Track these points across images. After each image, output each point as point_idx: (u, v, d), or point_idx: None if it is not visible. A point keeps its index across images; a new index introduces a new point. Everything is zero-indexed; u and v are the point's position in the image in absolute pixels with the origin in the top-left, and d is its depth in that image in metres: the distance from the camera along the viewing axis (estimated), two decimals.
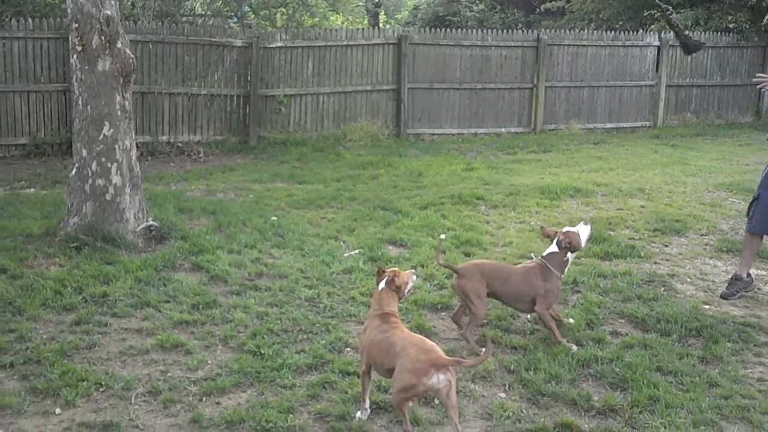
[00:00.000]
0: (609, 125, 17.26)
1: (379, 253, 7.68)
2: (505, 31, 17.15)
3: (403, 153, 13.96)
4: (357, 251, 7.80)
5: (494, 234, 8.67)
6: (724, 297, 6.69)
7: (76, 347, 5.51)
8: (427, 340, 4.49)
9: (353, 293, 6.70)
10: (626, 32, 17.61)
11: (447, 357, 4.27)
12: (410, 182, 11.31)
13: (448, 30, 16.90)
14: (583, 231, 5.90)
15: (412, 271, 5.04)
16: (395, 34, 15.96)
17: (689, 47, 11.75)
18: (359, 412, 4.67)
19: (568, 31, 17.75)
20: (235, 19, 17.36)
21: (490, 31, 17.40)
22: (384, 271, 4.86)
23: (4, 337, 5.62)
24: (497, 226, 9.00)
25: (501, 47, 16.40)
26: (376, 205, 9.71)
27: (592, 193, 10.59)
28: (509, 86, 16.51)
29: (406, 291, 4.88)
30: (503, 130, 16.48)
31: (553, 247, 5.86)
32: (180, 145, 13.89)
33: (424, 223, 8.82)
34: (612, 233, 8.57)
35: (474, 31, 17.27)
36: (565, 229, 5.95)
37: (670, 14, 12.25)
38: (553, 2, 23.01)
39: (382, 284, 4.81)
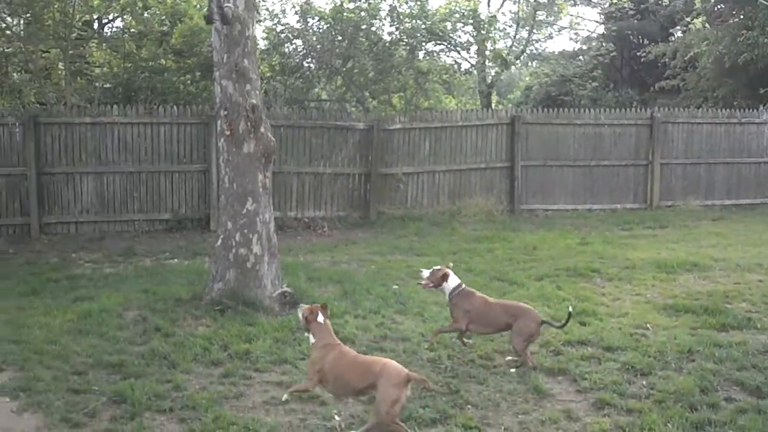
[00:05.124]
0: (728, 202, 17.11)
1: None
2: (618, 109, 17.49)
3: (517, 228, 14.37)
4: None
5: (609, 305, 8.90)
6: None
7: (225, 396, 6.17)
8: None
9: (472, 356, 7.11)
10: (743, 110, 17.57)
11: None
12: (525, 255, 11.69)
13: (561, 110, 17.39)
14: None
15: None
16: (508, 115, 16.60)
17: None
18: None
19: (682, 109, 17.89)
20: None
21: (602, 109, 17.77)
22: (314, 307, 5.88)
23: (162, 386, 6.35)
24: (613, 298, 9.22)
25: (614, 125, 16.73)
26: (491, 276, 10.13)
27: (709, 267, 10.65)
28: (623, 163, 16.74)
29: None
30: (618, 206, 16.65)
31: None
32: (306, 220, 14.84)
33: (540, 293, 9.17)
34: (729, 306, 8.65)
35: (586, 110, 17.69)
36: None
37: None
38: (668, 81, 23.13)
39: None
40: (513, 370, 6.79)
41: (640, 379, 6.58)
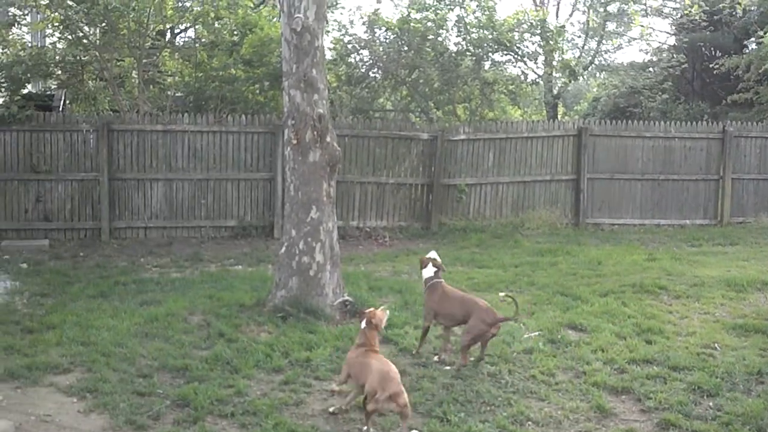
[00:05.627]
0: None
1: (559, 336, 7.96)
2: (688, 122, 17.08)
3: (582, 242, 14.13)
4: (536, 333, 8.11)
5: (676, 324, 8.68)
6: None
7: (285, 403, 6.25)
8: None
9: (533, 372, 7.02)
10: None
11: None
12: (589, 270, 11.48)
13: (629, 122, 17.05)
14: None
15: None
16: (575, 126, 16.38)
17: None
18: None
19: (755, 123, 17.38)
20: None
21: (673, 122, 17.39)
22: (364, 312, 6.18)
23: (224, 391, 6.46)
24: (680, 316, 9.00)
25: (684, 138, 16.34)
26: (554, 291, 9.98)
27: None
28: (694, 178, 16.33)
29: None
30: (687, 221, 16.24)
31: None
32: (368, 229, 14.91)
33: (604, 309, 8.99)
34: None
35: (656, 122, 17.32)
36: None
37: None
38: (741, 94, 22.45)
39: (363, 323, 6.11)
40: (447, 367, 7.11)
41: (707, 400, 6.41)
